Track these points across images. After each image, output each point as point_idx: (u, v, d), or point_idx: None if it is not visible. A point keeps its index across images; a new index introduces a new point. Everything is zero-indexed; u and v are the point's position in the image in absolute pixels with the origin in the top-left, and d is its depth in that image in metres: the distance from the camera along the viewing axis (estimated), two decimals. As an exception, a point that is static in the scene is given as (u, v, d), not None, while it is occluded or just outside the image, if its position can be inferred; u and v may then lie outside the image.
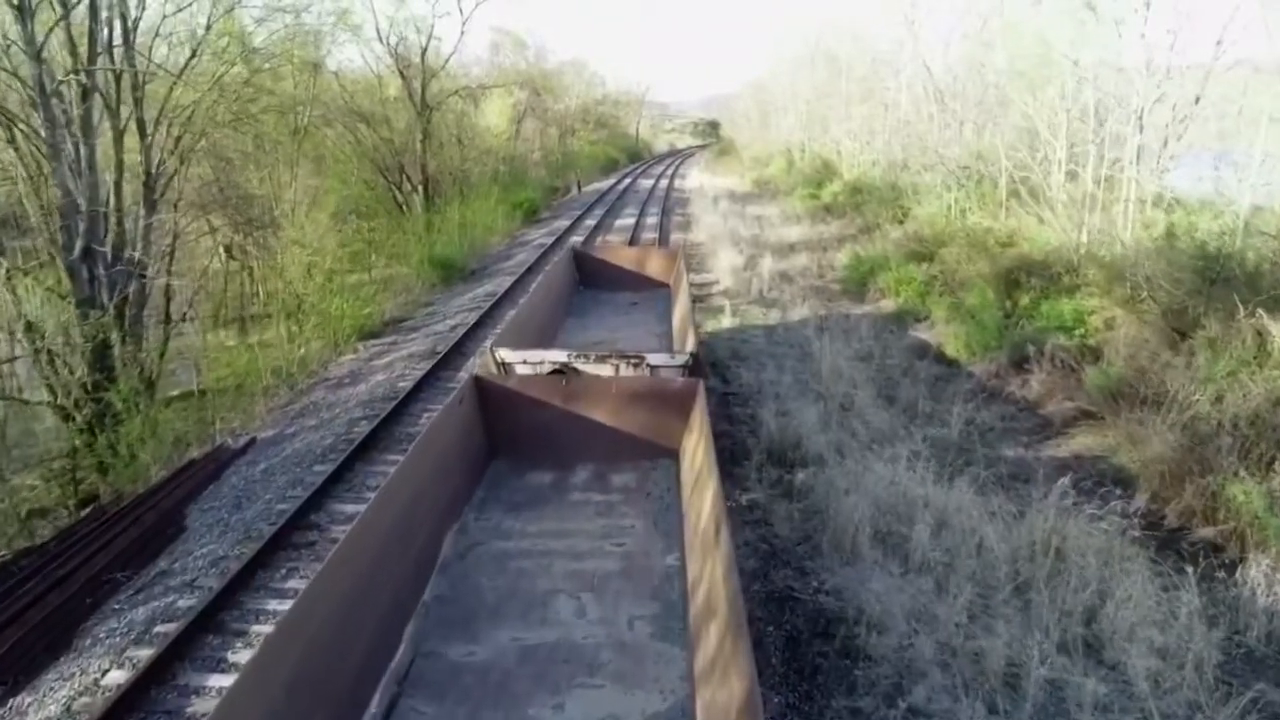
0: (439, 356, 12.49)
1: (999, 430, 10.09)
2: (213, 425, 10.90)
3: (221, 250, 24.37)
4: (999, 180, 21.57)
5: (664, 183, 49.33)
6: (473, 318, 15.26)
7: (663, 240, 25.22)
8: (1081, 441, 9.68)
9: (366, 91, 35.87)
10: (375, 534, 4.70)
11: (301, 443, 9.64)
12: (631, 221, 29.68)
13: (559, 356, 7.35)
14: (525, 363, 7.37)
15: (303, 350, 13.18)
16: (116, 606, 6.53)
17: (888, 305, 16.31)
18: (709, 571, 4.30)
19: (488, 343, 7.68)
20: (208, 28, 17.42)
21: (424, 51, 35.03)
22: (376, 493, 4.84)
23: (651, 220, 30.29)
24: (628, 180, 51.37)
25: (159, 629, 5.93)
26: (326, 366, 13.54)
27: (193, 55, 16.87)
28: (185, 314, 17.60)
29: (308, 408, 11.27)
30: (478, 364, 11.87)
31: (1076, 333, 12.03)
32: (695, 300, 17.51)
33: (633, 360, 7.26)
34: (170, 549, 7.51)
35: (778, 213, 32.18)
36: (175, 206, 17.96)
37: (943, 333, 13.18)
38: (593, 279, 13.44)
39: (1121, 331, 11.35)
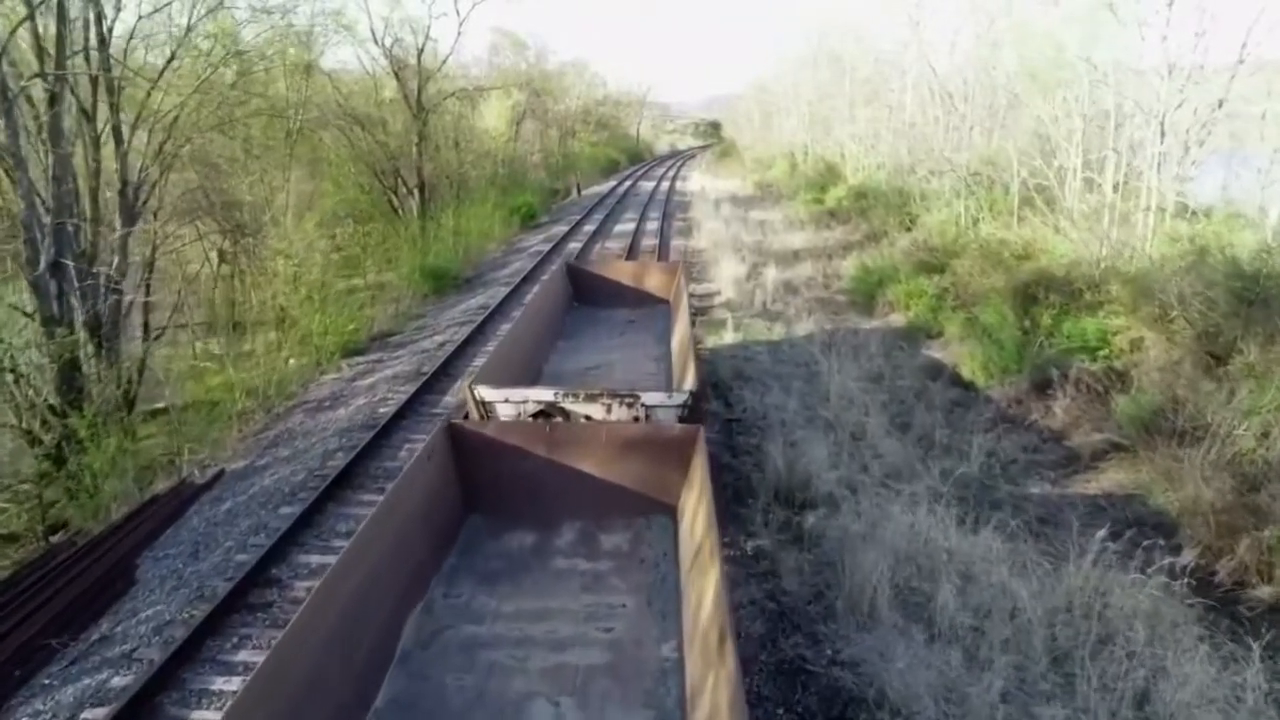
0: (424, 379, 11.78)
1: (1023, 463, 9.38)
2: (179, 456, 10.19)
3: (213, 257, 23.70)
4: (1010, 187, 20.89)
5: (665, 185, 48.64)
6: (462, 334, 14.56)
7: (663, 248, 24.52)
8: (1113, 478, 8.97)
9: (362, 94, 35.21)
10: (325, 621, 4.02)
11: (272, 478, 8.94)
12: (631, 227, 28.99)
13: (545, 395, 6.65)
14: (508, 402, 6.66)
15: (280, 374, 12.46)
16: (47, 681, 5.83)
17: (897, 320, 15.60)
18: (711, 683, 3.60)
19: (467, 381, 6.96)
20: (188, 29, 16.72)
21: (420, 53, 34.37)
22: (329, 570, 4.15)
23: (652, 225, 29.59)
24: (628, 183, 50.68)
25: (86, 716, 5.23)
26: (307, 387, 12.84)
27: (171, 58, 16.17)
28: (165, 326, 16.88)
29: (283, 435, 10.57)
30: (461, 389, 11.18)
31: (1101, 354, 11.32)
32: (696, 314, 16.83)
33: (626, 399, 6.55)
34: (116, 607, 6.80)
35: (781, 218, 31.48)
36: (155, 215, 17.25)
37: (957, 352, 12.47)
38: (588, 295, 12.74)
39: (1150, 354, 10.64)
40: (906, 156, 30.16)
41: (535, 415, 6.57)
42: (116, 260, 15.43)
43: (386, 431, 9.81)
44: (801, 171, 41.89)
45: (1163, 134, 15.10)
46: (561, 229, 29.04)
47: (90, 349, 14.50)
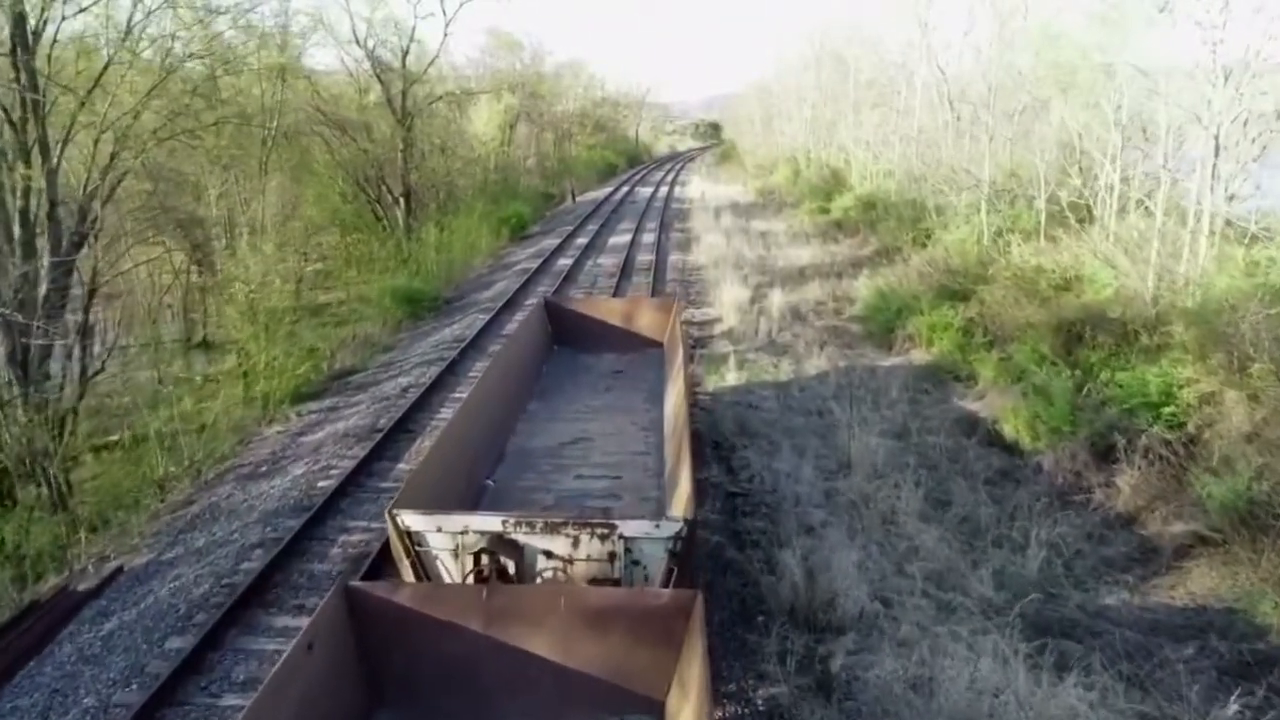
0: (377, 438, 10.14)
1: (1090, 560, 7.72)
2: (71, 547, 8.52)
3: (162, 280, 22.07)
4: (1035, 201, 19.23)
5: (663, 191, 46.99)
6: (432, 374, 12.91)
7: (659, 267, 22.86)
8: (1204, 583, 7.33)
9: (343, 97, 33.54)
10: None
11: (172, 584, 7.29)
12: (626, 239, 27.34)
13: (490, 524, 4.99)
14: (441, 531, 5.01)
15: (212, 434, 10.80)
16: None
17: (919, 356, 13.95)
18: None
19: (388, 505, 5.27)
20: (127, 32, 15.05)
21: (405, 54, 32.72)
22: None
23: (648, 238, 27.94)
24: (625, 189, 49.01)
25: None
26: (248, 443, 11.17)
27: (107, 64, 14.51)
28: (106, 359, 15.22)
29: (203, 515, 8.91)
30: (416, 450, 9.54)
31: (1166, 412, 9.65)
32: (695, 346, 15.19)
33: (598, 530, 4.90)
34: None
35: (784, 229, 29.84)
36: (96, 238, 15.60)
37: (995, 404, 10.81)
38: (569, 336, 11.08)
39: (1231, 416, 8.98)
40: (918, 165, 28.54)
41: (478, 554, 4.92)
42: (44, 289, 13.82)
43: (319, 518, 8.15)
44: (805, 178, 40.25)
45: (1217, 147, 13.45)
46: (552, 241, 27.38)
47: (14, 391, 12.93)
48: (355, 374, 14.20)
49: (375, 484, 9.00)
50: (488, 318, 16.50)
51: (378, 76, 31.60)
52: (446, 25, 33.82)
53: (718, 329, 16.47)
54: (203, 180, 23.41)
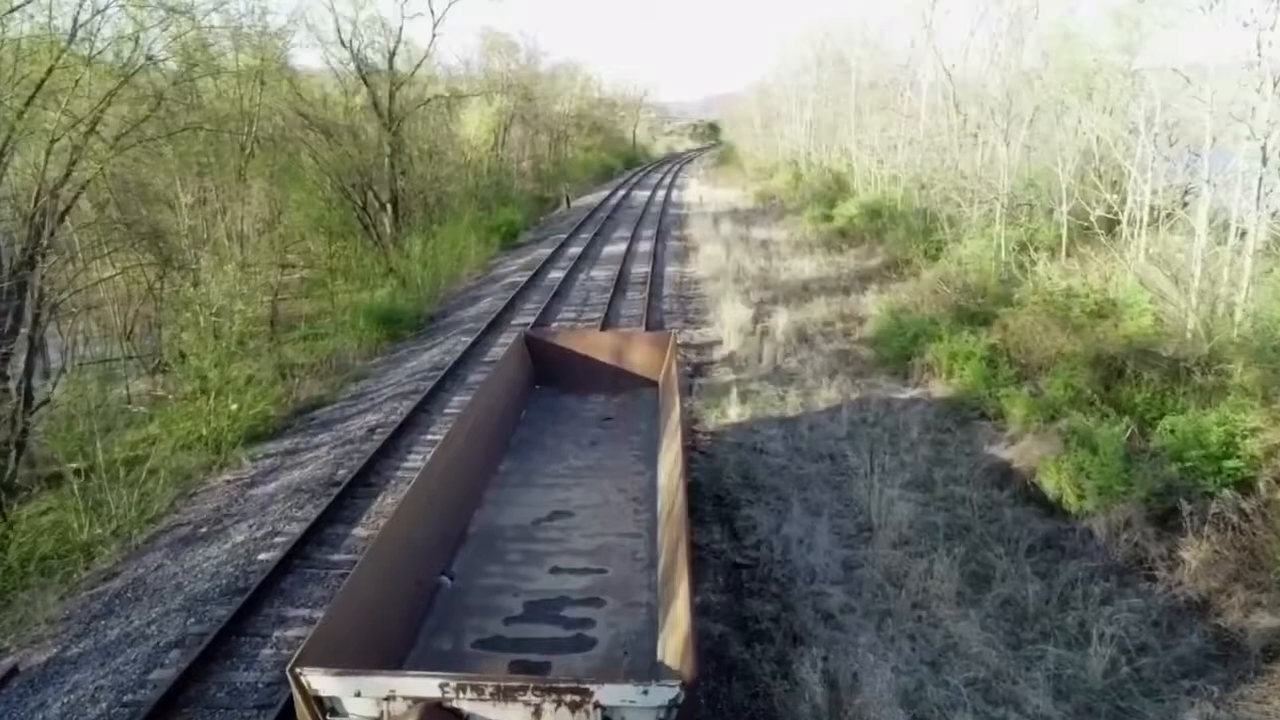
0: (335, 492, 8.94)
1: (1163, 661, 6.52)
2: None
3: (149, 286, 20.85)
4: (1054, 213, 18.06)
5: (660, 195, 45.82)
6: (404, 408, 11.71)
7: (655, 280, 21.65)
8: (1302, 692, 6.12)
9: (326, 101, 32.29)
10: None
11: (66, 699, 6.08)
12: (621, 249, 26.14)
13: (424, 686, 3.79)
14: (360, 696, 3.81)
15: (157, 480, 9.56)
16: None
17: (939, 388, 12.75)
18: None
19: (290, 663, 4.03)
20: (73, 35, 13.83)
21: (391, 56, 31.48)
22: None
23: (644, 247, 26.74)
24: (622, 193, 47.82)
25: None
26: (192, 495, 9.95)
27: (50, 70, 13.27)
28: (55, 386, 14.00)
29: (124, 593, 7.70)
30: (377, 510, 8.35)
31: (1228, 466, 8.47)
32: (694, 375, 13.99)
33: (567, 697, 3.70)
34: None
35: (786, 237, 28.66)
36: (43, 257, 14.37)
37: (1032, 453, 9.59)
38: (552, 375, 9.88)
39: (1311, 476, 7.79)
40: (927, 172, 27.38)
41: (407, 728, 3.72)
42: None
43: (254, 604, 6.94)
44: (806, 182, 39.06)
45: (1265, 157, 12.28)
46: (544, 251, 26.18)
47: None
48: (322, 407, 12.98)
49: (324, 556, 7.80)
50: (470, 340, 15.29)
51: (363, 79, 30.36)
52: (435, 25, 32.40)
53: (718, 353, 15.28)
54: (176, 189, 22.26)
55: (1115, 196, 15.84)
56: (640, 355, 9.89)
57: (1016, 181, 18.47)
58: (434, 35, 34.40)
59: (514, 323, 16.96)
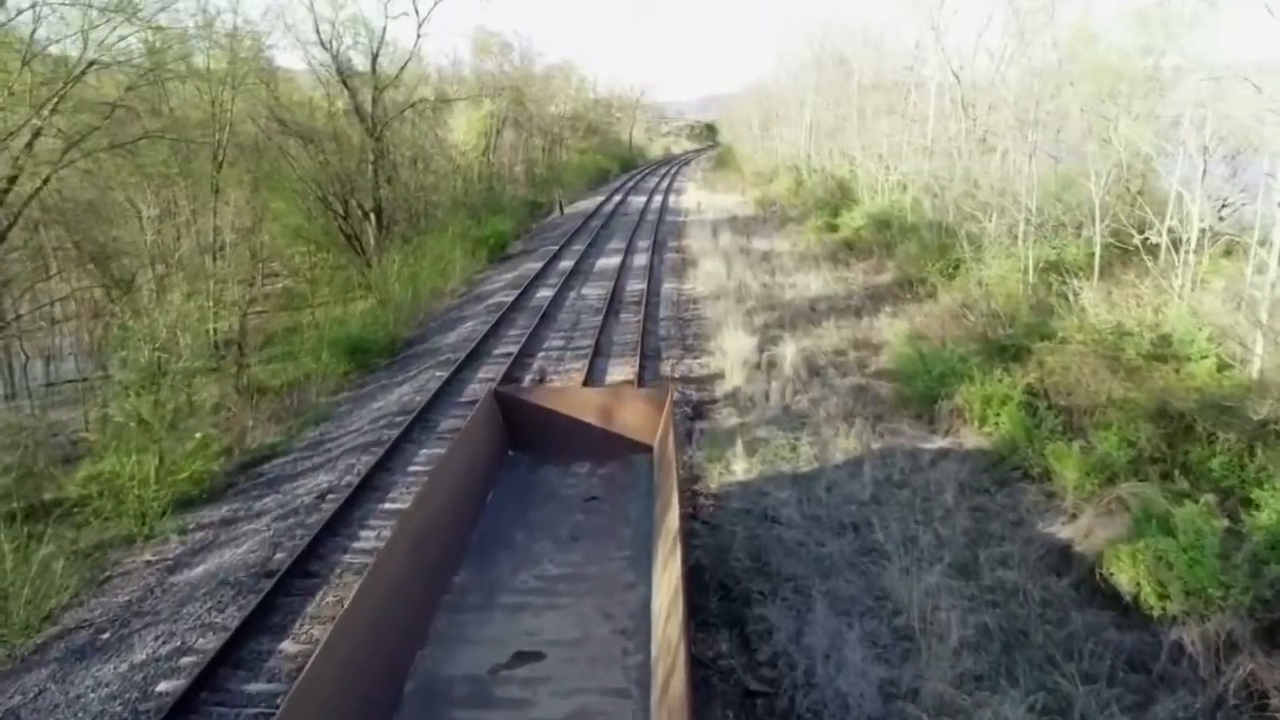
0: (269, 585, 7.45)
1: None
2: None
3: (97, 311, 19.38)
4: (1083, 230, 16.62)
5: (657, 201, 44.32)
6: (363, 466, 10.23)
7: (653, 294, 20.18)
8: None
9: (306, 105, 30.78)
10: None
11: None
12: (615, 263, 24.66)
13: None
14: None
15: (68, 564, 8.04)
16: None
17: (971, 437, 11.28)
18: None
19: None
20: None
21: (374, 58, 29.95)
22: None
23: (639, 260, 25.26)
24: (617, 198, 46.32)
25: None
26: (101, 584, 8.43)
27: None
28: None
29: (-10, 734, 6.21)
30: (310, 615, 6.86)
31: (1340, 556, 7.00)
32: (694, 418, 12.52)
33: None
34: None
35: (789, 248, 27.19)
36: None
37: (1095, 535, 8.12)
38: (529, 437, 8.39)
39: None
40: (936, 180, 25.95)
41: None
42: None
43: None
44: (808, 188, 37.59)
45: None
46: (533, 266, 24.68)
47: None
48: (274, 458, 11.47)
49: (240, 687, 6.30)
50: (445, 375, 13.80)
51: (343, 82, 28.83)
52: (420, 25, 30.84)
53: (720, 389, 13.79)
54: (139, 201, 20.75)
55: (1155, 215, 14.42)
56: (632, 414, 8.40)
57: (1043, 195, 16.99)
58: (419, 35, 32.95)
59: (496, 352, 15.47)
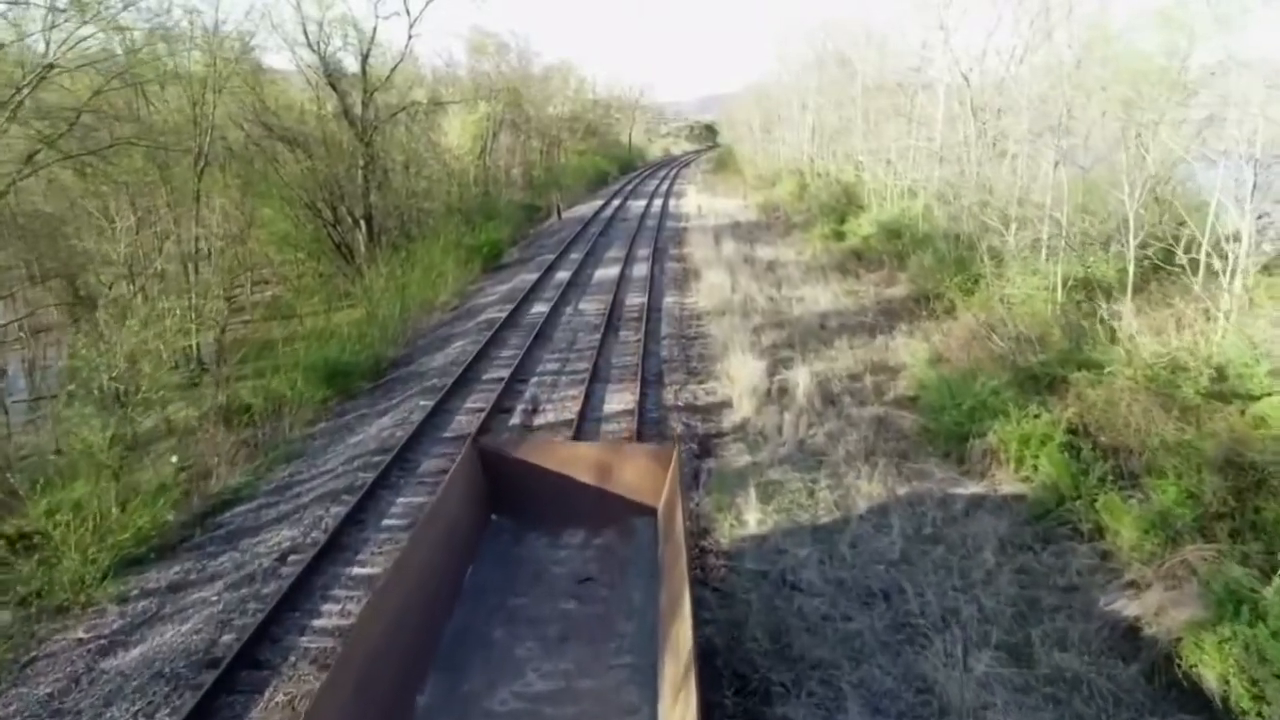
0: (210, 680, 6.37)
1: None
2: None
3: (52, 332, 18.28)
4: (1113, 244, 15.55)
5: (657, 205, 43.25)
6: (332, 520, 9.16)
7: (653, 308, 19.11)
8: None
9: (294, 108, 29.69)
10: None
11: None
12: (614, 273, 23.61)
13: None
14: None
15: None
16: None
17: (1007, 481, 10.20)
18: None
19: None
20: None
21: (364, 59, 28.86)
22: None
23: (639, 270, 24.20)
24: (616, 202, 45.23)
25: None
26: (25, 669, 7.34)
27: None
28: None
29: None
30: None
31: None
32: (701, 456, 11.45)
33: None
34: None
35: (794, 257, 26.14)
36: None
37: (1168, 615, 7.05)
38: (514, 502, 7.32)
39: None
40: (946, 186, 24.89)
41: None
42: None
43: None
44: (812, 193, 36.49)
45: None
46: (529, 277, 23.60)
47: None
48: (236, 504, 10.38)
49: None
50: (431, 405, 12.73)
51: (331, 84, 27.74)
52: (411, 25, 29.66)
53: (728, 420, 12.74)
54: (110, 212, 19.69)
55: (1194, 228, 13.35)
56: (633, 473, 7.32)
57: (1071, 207, 15.90)
58: (410, 36, 31.82)
59: (486, 377, 14.40)
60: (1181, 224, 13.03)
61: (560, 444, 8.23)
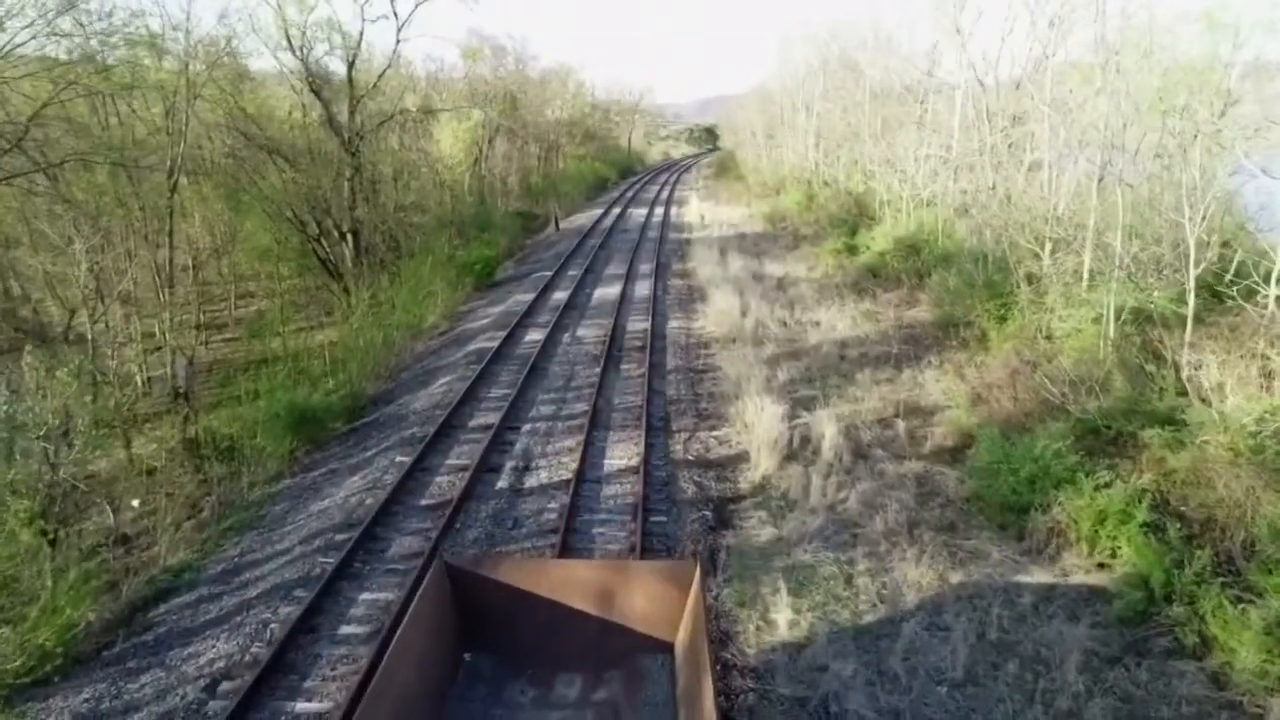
0: None
1: None
2: None
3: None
4: (1165, 269, 14.03)
5: (659, 214, 41.73)
6: (283, 618, 7.64)
7: (657, 335, 17.57)
8: None
9: (276, 116, 28.18)
10: None
11: None
12: (615, 293, 22.11)
13: None
14: None
15: None
16: None
17: (1081, 568, 8.66)
18: None
19: None
20: None
21: (350, 65, 27.32)
22: None
23: (642, 291, 22.70)
24: (617, 210, 43.72)
25: None
26: None
27: None
28: None
29: None
30: None
31: None
32: (715, 528, 9.92)
33: None
34: None
35: (805, 274, 24.62)
36: None
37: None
38: (493, 636, 5.78)
39: None
40: (966, 198, 23.40)
41: None
42: None
43: None
44: (820, 203, 34.96)
45: None
46: (524, 297, 22.07)
47: None
48: (172, 595, 8.84)
49: None
50: (409, 461, 11.20)
51: (314, 91, 26.21)
52: (399, 30, 28.22)
53: (745, 480, 11.20)
54: (69, 232, 18.18)
55: (1261, 255, 11.85)
56: (643, 597, 5.78)
57: (1119, 229, 14.35)
58: (399, 40, 30.32)
59: (472, 424, 12.88)
60: (1262, 254, 11.51)
61: (550, 563, 6.65)
